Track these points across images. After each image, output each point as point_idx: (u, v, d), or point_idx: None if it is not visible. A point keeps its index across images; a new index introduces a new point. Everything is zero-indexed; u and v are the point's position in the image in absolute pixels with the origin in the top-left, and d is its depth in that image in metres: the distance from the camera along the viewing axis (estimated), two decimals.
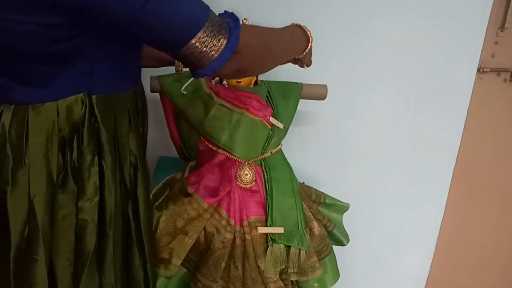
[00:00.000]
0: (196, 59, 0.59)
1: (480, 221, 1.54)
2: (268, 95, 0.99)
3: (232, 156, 0.93)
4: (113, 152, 0.68)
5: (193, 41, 0.58)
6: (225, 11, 0.64)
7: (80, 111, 0.63)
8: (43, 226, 0.63)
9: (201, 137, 0.95)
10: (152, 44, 0.61)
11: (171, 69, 1.01)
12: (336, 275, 1.02)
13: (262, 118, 0.93)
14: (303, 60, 0.84)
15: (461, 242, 1.57)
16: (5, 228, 0.63)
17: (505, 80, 1.38)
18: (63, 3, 0.52)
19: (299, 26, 0.79)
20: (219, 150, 0.93)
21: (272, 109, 0.97)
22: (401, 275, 1.55)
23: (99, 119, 0.65)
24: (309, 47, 0.80)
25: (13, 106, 0.62)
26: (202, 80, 0.94)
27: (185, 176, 0.95)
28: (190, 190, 0.90)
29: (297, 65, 0.85)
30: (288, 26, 0.80)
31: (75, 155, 0.64)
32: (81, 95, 0.63)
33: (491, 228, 1.56)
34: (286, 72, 1.13)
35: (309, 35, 0.79)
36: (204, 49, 0.59)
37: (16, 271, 0.63)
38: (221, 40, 0.59)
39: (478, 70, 1.33)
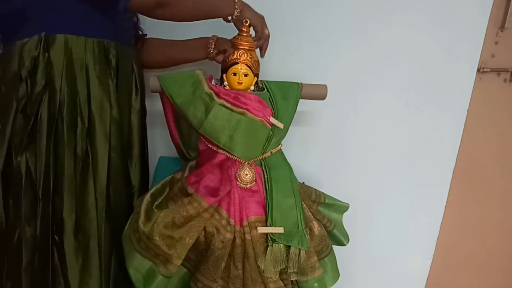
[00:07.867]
0: None
1: (480, 221, 1.54)
2: (269, 97, 0.99)
3: (232, 156, 0.93)
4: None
5: None
6: None
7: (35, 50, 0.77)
8: None
9: (201, 137, 0.95)
10: None
11: (171, 69, 1.01)
12: (336, 275, 1.02)
13: (262, 118, 0.93)
14: (237, 23, 0.85)
15: (461, 242, 1.57)
16: None
17: (505, 80, 1.38)
18: None
19: None
20: (219, 150, 0.93)
21: (272, 109, 0.97)
22: (401, 275, 1.55)
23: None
24: (235, 12, 0.80)
25: None
26: (203, 80, 0.94)
27: (185, 176, 0.95)
28: (190, 190, 0.90)
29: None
30: None
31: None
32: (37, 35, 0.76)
33: (491, 228, 1.56)
34: (286, 72, 1.13)
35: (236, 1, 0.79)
36: None
37: None
38: None
39: (478, 70, 1.33)
